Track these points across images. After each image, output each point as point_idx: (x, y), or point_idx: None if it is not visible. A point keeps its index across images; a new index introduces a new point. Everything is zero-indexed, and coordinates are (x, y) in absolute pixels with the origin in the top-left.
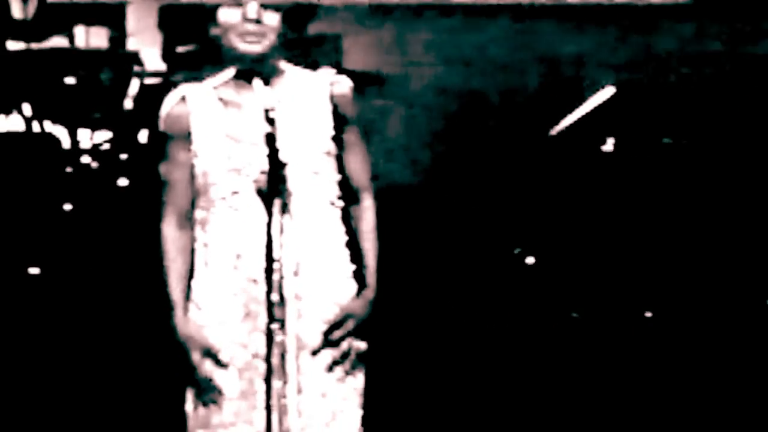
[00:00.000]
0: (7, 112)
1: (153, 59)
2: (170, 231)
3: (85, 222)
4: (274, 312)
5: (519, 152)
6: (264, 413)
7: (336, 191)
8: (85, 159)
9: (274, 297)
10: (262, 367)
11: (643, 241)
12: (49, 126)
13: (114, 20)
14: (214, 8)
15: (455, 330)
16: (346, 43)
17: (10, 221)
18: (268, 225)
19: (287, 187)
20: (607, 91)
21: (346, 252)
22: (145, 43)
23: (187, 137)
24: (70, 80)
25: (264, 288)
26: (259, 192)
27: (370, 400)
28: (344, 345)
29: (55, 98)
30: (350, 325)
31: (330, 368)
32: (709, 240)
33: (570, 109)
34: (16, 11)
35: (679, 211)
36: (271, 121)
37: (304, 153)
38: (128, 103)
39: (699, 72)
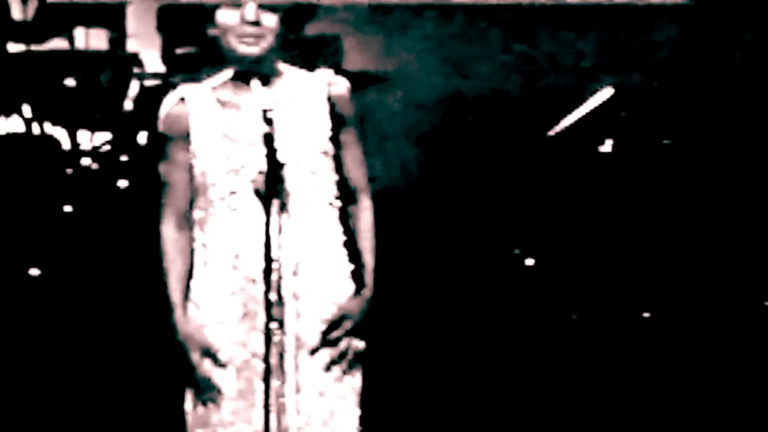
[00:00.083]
0: (8, 114)
1: (153, 61)
2: (169, 231)
3: (86, 223)
4: (273, 311)
5: (518, 153)
6: (262, 412)
7: (334, 191)
8: (85, 160)
9: (273, 296)
10: (261, 366)
11: (641, 242)
12: (49, 127)
13: (114, 21)
14: (214, 9)
15: (454, 330)
16: (346, 44)
17: (10, 222)
18: (267, 225)
19: (285, 187)
20: (606, 92)
21: (344, 252)
22: (145, 44)
23: (185, 138)
24: (70, 82)
25: (262, 287)
26: (257, 192)
27: (368, 399)
28: (342, 344)
29: (55, 100)
30: (348, 324)
31: (328, 367)
32: (708, 241)
33: (569, 110)
34: (16, 12)
35: (678, 212)
36: (269, 122)
37: (302, 153)
38: (128, 105)
39: (698, 72)
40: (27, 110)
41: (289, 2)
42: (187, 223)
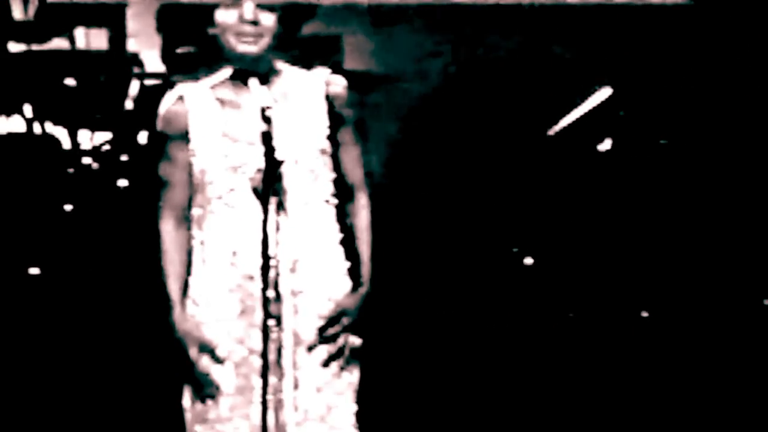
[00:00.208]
0: (8, 114)
1: (153, 60)
2: (168, 229)
3: (86, 223)
4: (271, 308)
5: (517, 152)
6: (260, 408)
7: (331, 189)
8: (86, 160)
9: (271, 293)
10: (259, 362)
11: (640, 241)
12: (49, 127)
13: (114, 21)
14: (213, 8)
15: (451, 328)
16: (346, 44)
17: (11, 222)
18: (264, 222)
19: (283, 185)
20: (605, 92)
21: (341, 249)
22: (145, 44)
23: (184, 136)
24: (70, 82)
25: (260, 284)
26: (255, 190)
27: (365, 394)
28: (339, 341)
29: (55, 99)
30: (345, 321)
31: (325, 363)
32: (707, 240)
33: (568, 110)
34: (17, 12)
35: (677, 211)
36: (267, 120)
37: (299, 151)
38: (128, 104)
39: (698, 73)
40: (28, 110)
41: (287, 1)
42: (185, 220)
